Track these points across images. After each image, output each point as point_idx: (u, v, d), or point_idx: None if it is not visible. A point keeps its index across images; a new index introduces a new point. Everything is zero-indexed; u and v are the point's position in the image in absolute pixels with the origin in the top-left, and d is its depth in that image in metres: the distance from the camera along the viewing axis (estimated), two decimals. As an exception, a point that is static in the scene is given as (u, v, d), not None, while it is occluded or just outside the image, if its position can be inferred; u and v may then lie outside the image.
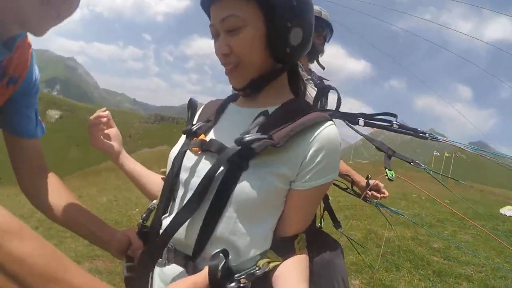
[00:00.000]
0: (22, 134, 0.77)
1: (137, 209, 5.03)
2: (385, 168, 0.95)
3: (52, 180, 0.79)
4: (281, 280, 0.58)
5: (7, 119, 0.75)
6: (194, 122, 0.75)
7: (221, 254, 0.56)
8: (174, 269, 0.62)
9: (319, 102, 0.86)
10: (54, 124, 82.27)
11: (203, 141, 0.65)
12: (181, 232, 0.60)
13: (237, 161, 0.58)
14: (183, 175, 0.65)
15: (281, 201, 0.63)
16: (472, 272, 3.11)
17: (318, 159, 0.60)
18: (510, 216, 5.97)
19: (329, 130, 0.62)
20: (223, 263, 0.56)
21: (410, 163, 0.93)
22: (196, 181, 0.61)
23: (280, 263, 0.60)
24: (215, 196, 0.58)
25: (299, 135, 0.60)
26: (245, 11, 0.60)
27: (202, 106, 0.81)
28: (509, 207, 6.56)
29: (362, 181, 1.42)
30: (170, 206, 0.67)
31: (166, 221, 0.65)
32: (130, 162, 0.85)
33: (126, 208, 5.23)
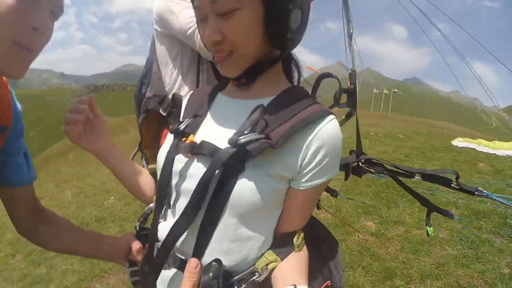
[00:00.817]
0: (14, 184, 0.72)
1: (112, 197, 4.50)
2: (426, 225, 1.00)
3: (48, 217, 0.81)
4: (281, 276, 0.58)
5: None
6: (181, 118, 0.71)
7: (214, 263, 0.54)
8: (174, 273, 0.62)
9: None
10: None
11: (193, 144, 0.61)
12: (179, 240, 0.59)
13: (232, 164, 0.55)
14: (175, 180, 0.62)
15: (281, 200, 0.62)
16: (455, 199, 3.45)
17: (319, 158, 0.58)
18: (462, 147, 6.50)
19: (330, 126, 0.59)
20: (217, 272, 0.53)
21: (446, 215, 1.00)
22: (188, 186, 0.59)
23: (279, 263, 0.60)
24: (210, 202, 0.56)
25: (297, 133, 0.57)
26: None
27: (187, 97, 0.76)
28: (459, 138, 7.17)
29: None
30: (164, 210, 0.65)
31: (162, 226, 0.64)
32: (116, 161, 0.76)
33: (98, 199, 4.60)
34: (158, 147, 0.73)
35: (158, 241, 0.64)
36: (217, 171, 0.55)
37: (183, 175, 0.61)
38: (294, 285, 0.52)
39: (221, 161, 0.54)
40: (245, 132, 0.56)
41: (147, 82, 1.16)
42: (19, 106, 0.72)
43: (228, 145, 0.55)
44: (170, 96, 1.10)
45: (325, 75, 0.70)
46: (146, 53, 1.28)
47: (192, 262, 0.52)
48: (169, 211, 0.64)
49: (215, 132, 0.62)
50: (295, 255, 0.62)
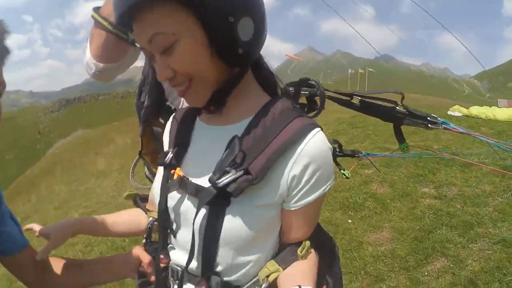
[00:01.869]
0: (9, 252, 0.74)
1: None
2: (400, 146, 0.84)
3: (53, 267, 0.80)
4: (286, 279, 0.58)
5: None
6: (166, 147, 0.72)
7: (213, 277, 0.59)
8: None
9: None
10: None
11: (180, 180, 0.62)
12: (189, 264, 0.62)
13: (217, 202, 0.56)
14: (172, 215, 0.65)
15: (276, 221, 0.61)
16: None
17: (306, 177, 0.56)
18: (458, 116, 6.18)
19: (314, 142, 0.56)
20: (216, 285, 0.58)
21: (427, 126, 0.79)
22: (183, 222, 0.62)
23: (280, 273, 0.60)
24: (204, 240, 0.58)
25: (279, 158, 0.55)
26: (172, 22, 0.49)
27: (170, 121, 0.75)
28: (455, 108, 6.60)
29: None
30: (170, 239, 0.69)
31: (173, 253, 0.68)
32: (89, 225, 0.81)
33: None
34: (158, 153, 0.73)
35: (170, 260, 0.68)
36: (204, 211, 0.57)
37: (177, 211, 0.63)
38: (299, 285, 0.53)
39: (205, 202, 0.56)
40: (224, 168, 0.54)
41: (146, 90, 1.08)
42: None
43: (210, 184, 0.55)
44: (168, 103, 1.07)
45: (304, 81, 0.69)
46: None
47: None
48: (173, 240, 0.67)
49: (197, 166, 0.63)
50: (301, 261, 0.61)
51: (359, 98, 0.79)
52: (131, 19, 0.52)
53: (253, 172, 0.54)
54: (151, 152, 1.15)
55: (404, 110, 0.79)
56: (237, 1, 0.51)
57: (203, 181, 0.59)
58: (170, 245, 0.69)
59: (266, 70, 0.65)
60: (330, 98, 0.75)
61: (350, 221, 2.91)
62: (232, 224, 0.56)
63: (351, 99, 0.80)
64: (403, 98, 0.79)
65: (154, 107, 1.07)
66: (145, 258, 0.76)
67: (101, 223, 0.80)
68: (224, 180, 0.54)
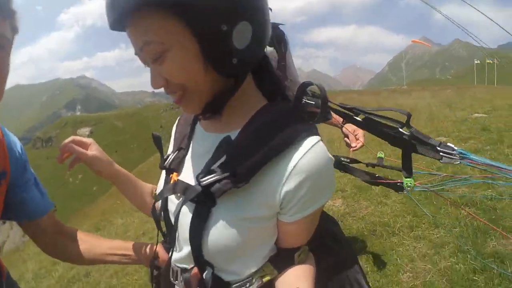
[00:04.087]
0: (32, 217, 0.78)
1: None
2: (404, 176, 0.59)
3: (70, 234, 0.84)
4: (284, 281, 0.57)
5: (12, 210, 0.75)
6: (169, 152, 0.70)
7: (207, 267, 0.56)
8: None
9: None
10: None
11: (175, 183, 0.60)
12: (185, 263, 0.61)
13: (202, 201, 0.53)
14: (172, 218, 0.62)
15: (270, 231, 0.57)
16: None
17: (303, 192, 0.51)
18: None
19: (314, 154, 0.50)
20: (208, 273, 0.56)
21: (440, 157, 0.53)
22: (174, 222, 0.59)
23: (275, 276, 0.57)
24: (190, 241, 0.55)
25: (270, 167, 0.50)
26: (161, 31, 0.46)
27: (175, 124, 0.74)
28: None
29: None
30: (174, 241, 0.65)
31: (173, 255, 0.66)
32: (120, 168, 0.79)
33: None
34: None
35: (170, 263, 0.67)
36: (188, 208, 0.55)
37: (172, 212, 0.62)
38: None
39: (188, 198, 0.53)
40: (211, 168, 0.52)
41: None
42: (18, 144, 0.76)
43: (197, 182, 0.53)
44: None
45: (306, 84, 0.58)
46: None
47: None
48: (176, 243, 0.65)
49: (191, 170, 0.61)
50: (298, 266, 0.58)
51: (364, 114, 0.61)
52: (124, 27, 0.50)
53: (238, 175, 0.51)
54: None
55: (408, 133, 0.56)
56: (232, 5, 0.46)
57: (193, 182, 0.57)
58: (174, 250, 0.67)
59: (269, 73, 0.60)
60: (334, 110, 0.62)
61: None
62: (219, 236, 0.54)
63: (354, 115, 0.60)
64: (409, 118, 0.58)
65: None
66: (162, 256, 0.74)
67: (133, 184, 0.82)
68: (208, 179, 0.52)
